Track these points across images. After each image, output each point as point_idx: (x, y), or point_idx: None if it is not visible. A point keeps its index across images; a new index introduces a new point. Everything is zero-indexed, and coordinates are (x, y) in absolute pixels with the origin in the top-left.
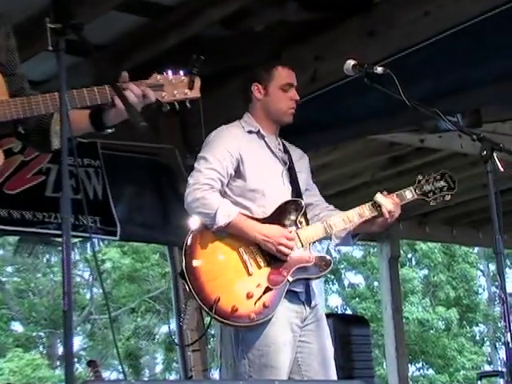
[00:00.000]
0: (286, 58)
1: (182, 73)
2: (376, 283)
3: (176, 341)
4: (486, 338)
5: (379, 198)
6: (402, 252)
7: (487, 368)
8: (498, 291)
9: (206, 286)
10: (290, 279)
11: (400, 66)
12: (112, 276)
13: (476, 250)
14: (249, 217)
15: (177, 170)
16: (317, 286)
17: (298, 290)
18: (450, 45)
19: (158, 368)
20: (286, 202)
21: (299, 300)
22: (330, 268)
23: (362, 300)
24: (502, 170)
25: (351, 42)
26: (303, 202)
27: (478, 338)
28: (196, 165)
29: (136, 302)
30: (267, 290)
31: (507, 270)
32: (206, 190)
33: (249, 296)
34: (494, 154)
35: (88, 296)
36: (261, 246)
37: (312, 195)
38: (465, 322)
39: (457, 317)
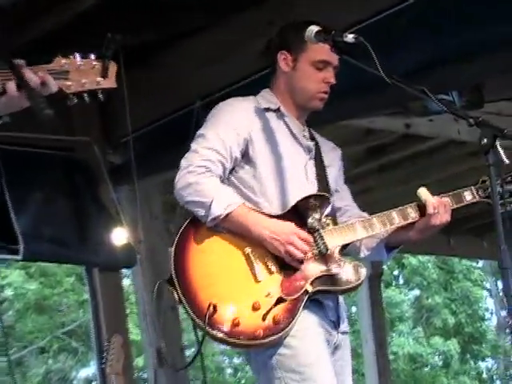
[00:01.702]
0: (233, 24)
1: (93, 56)
2: (354, 308)
3: None
4: (495, 376)
5: (422, 192)
6: (385, 268)
7: None
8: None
9: (201, 293)
10: (310, 289)
11: (378, 32)
12: (15, 306)
13: (480, 263)
14: (255, 210)
15: (96, 169)
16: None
17: (326, 302)
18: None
19: None
20: (308, 197)
21: (327, 318)
22: (363, 280)
23: None
24: (506, 162)
25: (314, 2)
26: (331, 198)
27: (485, 375)
28: (193, 144)
29: (47, 338)
30: (280, 301)
31: None
32: (201, 173)
33: (255, 307)
34: (497, 143)
35: None
36: (266, 247)
37: (342, 198)
38: (468, 356)
39: (458, 350)
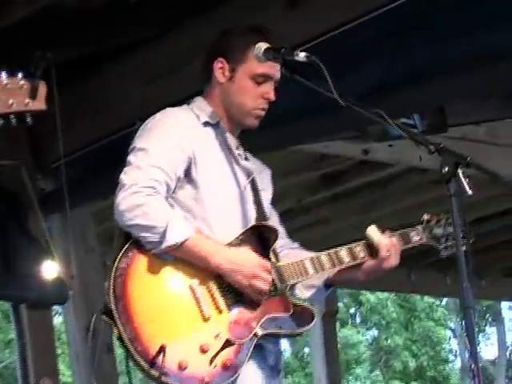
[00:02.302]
0: (179, 36)
1: (20, 75)
2: (306, 349)
3: None
4: None
5: (373, 232)
6: (341, 306)
7: None
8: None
9: (144, 329)
10: (260, 333)
11: (333, 49)
12: None
13: (444, 301)
14: (209, 237)
15: (24, 197)
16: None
17: (267, 347)
18: (407, 15)
19: None
20: (257, 227)
21: (266, 364)
22: (313, 323)
23: (288, 373)
24: (469, 192)
25: (265, 15)
26: (278, 231)
27: None
28: (132, 158)
29: None
30: (227, 343)
31: (487, 328)
32: (149, 194)
33: (204, 349)
34: (459, 171)
35: None
36: (224, 280)
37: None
38: None
39: None
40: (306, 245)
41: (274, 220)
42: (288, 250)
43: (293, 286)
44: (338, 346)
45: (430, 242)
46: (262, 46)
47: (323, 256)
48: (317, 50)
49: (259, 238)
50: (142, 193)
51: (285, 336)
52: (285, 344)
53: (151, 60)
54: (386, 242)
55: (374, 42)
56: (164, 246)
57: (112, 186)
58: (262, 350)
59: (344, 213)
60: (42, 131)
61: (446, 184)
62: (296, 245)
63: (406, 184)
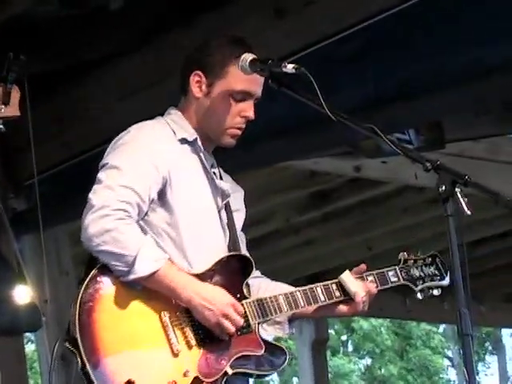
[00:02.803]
0: (157, 47)
1: None
2: (295, 380)
3: None
4: None
5: (346, 278)
6: (332, 333)
7: None
8: None
9: (111, 362)
10: (230, 371)
11: (322, 61)
12: None
13: (441, 328)
14: (181, 269)
15: None
16: None
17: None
18: (398, 26)
19: None
20: (231, 257)
21: None
22: (286, 363)
23: None
24: (468, 213)
25: (251, 25)
26: (253, 263)
27: None
28: (103, 176)
29: None
30: (196, 381)
31: (487, 357)
32: (120, 218)
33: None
34: (457, 190)
35: None
36: (194, 315)
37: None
38: None
39: None
40: (295, 267)
41: (241, 246)
42: (257, 281)
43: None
44: (329, 375)
45: (406, 283)
46: (248, 57)
47: (298, 293)
48: (304, 61)
49: (234, 268)
50: (112, 216)
51: (256, 375)
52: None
53: (133, 71)
54: (362, 293)
55: (365, 54)
56: (132, 277)
57: None
58: None
59: (335, 233)
60: (15, 146)
61: (443, 203)
62: (258, 273)
63: (401, 203)
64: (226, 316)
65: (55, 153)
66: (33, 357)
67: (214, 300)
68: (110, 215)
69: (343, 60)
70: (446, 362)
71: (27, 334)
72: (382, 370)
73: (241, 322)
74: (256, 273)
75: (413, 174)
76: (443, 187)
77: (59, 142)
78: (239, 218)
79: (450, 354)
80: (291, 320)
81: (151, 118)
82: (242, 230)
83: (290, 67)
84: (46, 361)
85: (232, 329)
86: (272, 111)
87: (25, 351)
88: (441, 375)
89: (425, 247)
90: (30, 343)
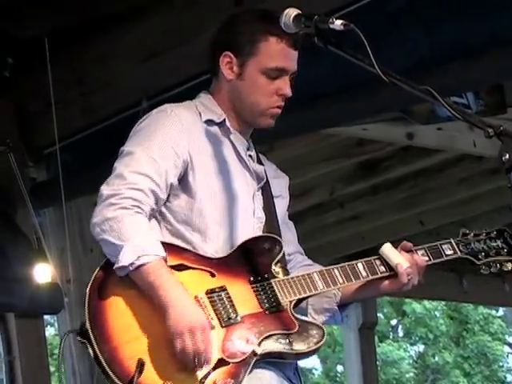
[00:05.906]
0: (187, 4)
1: None
2: (340, 367)
3: None
4: None
5: (387, 250)
6: (381, 317)
7: None
8: None
9: (123, 349)
10: (259, 351)
11: (370, 18)
12: None
13: (501, 311)
14: (172, 272)
15: (12, 187)
16: None
17: (286, 371)
18: None
19: None
20: (255, 239)
21: (283, 374)
22: (322, 343)
23: None
24: None
25: None
26: (282, 240)
27: None
28: (116, 164)
29: None
30: (221, 363)
31: None
32: (124, 207)
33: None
34: None
35: None
36: (215, 293)
37: (288, 242)
38: None
39: None
40: (339, 244)
41: (288, 235)
42: (300, 269)
43: (303, 309)
44: (377, 363)
45: (466, 257)
46: (292, 12)
47: (335, 270)
48: (351, 18)
49: (261, 249)
50: (116, 205)
51: (288, 356)
52: (315, 361)
53: (155, 31)
54: (406, 263)
55: (417, 10)
56: (115, 266)
57: None
58: (275, 366)
59: (384, 207)
60: (33, 110)
61: (506, 174)
62: (310, 261)
63: (457, 174)
64: (192, 332)
65: (78, 118)
66: (53, 342)
67: (191, 314)
68: (115, 204)
69: (391, 17)
70: (507, 349)
71: (47, 317)
72: (436, 358)
73: (201, 347)
74: (307, 261)
75: (471, 142)
76: (507, 156)
77: (82, 106)
78: (281, 205)
79: (510, 340)
80: (341, 307)
81: (178, 80)
82: None
83: (338, 23)
84: (67, 345)
85: (189, 346)
86: (313, 74)
87: (45, 335)
88: (500, 363)
89: (483, 222)
90: (49, 326)
